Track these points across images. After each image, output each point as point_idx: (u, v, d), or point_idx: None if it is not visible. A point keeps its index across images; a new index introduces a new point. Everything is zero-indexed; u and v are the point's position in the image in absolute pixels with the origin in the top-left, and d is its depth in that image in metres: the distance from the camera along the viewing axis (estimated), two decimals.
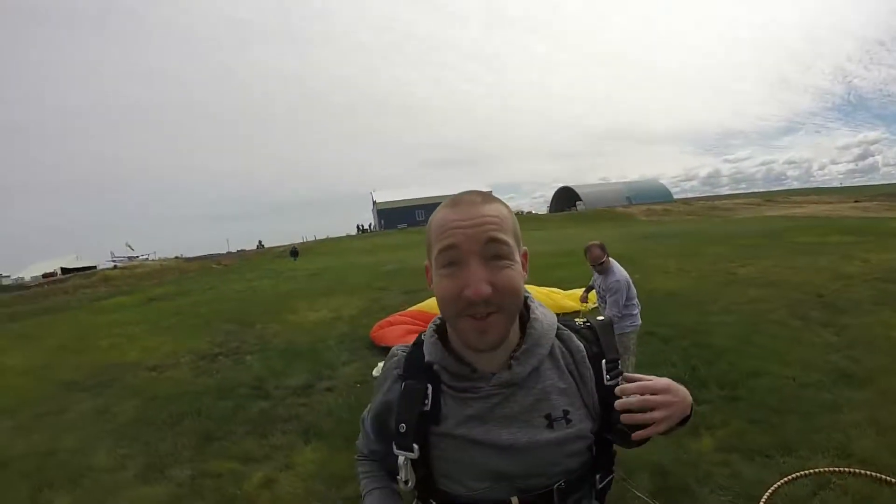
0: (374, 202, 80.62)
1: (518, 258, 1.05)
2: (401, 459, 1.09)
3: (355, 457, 1.41)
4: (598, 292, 5.38)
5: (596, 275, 5.32)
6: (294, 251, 40.73)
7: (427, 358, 1.13)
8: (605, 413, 1.10)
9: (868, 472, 3.57)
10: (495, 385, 1.08)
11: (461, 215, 1.02)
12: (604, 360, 1.13)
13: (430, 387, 1.10)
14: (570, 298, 9.74)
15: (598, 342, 1.16)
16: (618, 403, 1.02)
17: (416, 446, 1.07)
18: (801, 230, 22.10)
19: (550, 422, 1.08)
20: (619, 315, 5.05)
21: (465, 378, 1.10)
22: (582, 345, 1.15)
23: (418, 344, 1.19)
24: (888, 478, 3.46)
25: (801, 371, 5.53)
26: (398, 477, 1.10)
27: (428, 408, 1.09)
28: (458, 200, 1.06)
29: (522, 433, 1.07)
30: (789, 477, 3.58)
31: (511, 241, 1.03)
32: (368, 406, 1.33)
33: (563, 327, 1.19)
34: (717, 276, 12.15)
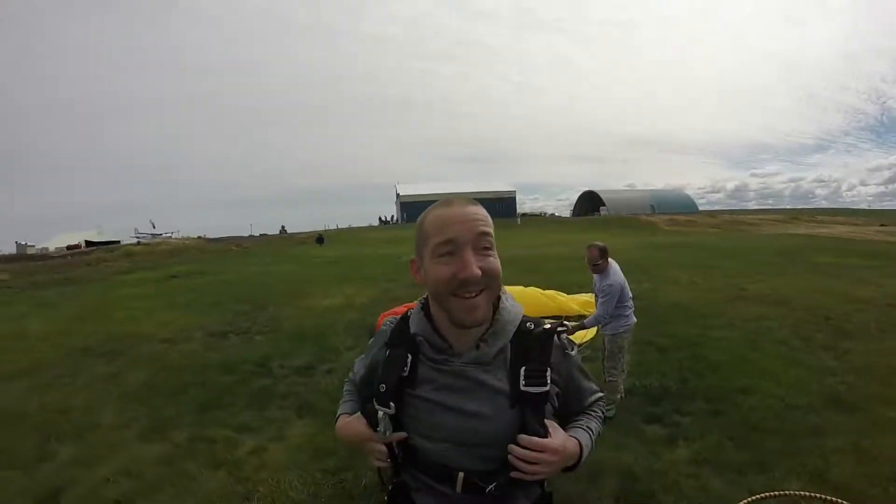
0: (398, 194, 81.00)
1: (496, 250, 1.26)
2: (380, 413, 1.28)
3: (346, 380, 1.65)
4: (594, 293, 5.46)
5: (595, 276, 5.40)
6: (320, 238, 41.60)
7: (412, 330, 1.34)
8: (520, 414, 1.27)
9: (839, 501, 3.54)
10: (466, 362, 1.28)
11: (457, 213, 1.22)
12: (523, 368, 1.28)
13: (409, 356, 1.31)
14: (573, 301, 9.85)
15: (525, 347, 1.31)
16: (510, 449, 1.23)
17: (392, 404, 1.28)
18: (821, 250, 21.88)
19: (512, 403, 1.26)
20: (607, 317, 5.19)
21: (442, 351, 1.30)
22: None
23: (405, 319, 1.39)
24: None
25: (792, 392, 5.51)
26: (378, 429, 1.29)
27: (406, 373, 1.30)
28: (450, 202, 1.26)
29: (486, 406, 1.26)
30: (757, 496, 3.56)
31: (493, 234, 1.24)
32: (361, 357, 1.56)
33: (529, 324, 1.35)
34: (727, 290, 12.11)
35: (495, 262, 1.22)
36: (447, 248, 1.20)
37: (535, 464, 1.21)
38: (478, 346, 1.29)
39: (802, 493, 3.62)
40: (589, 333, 7.96)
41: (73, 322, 11.22)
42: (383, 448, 1.31)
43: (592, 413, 1.49)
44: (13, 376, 7.23)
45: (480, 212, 1.24)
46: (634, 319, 5.39)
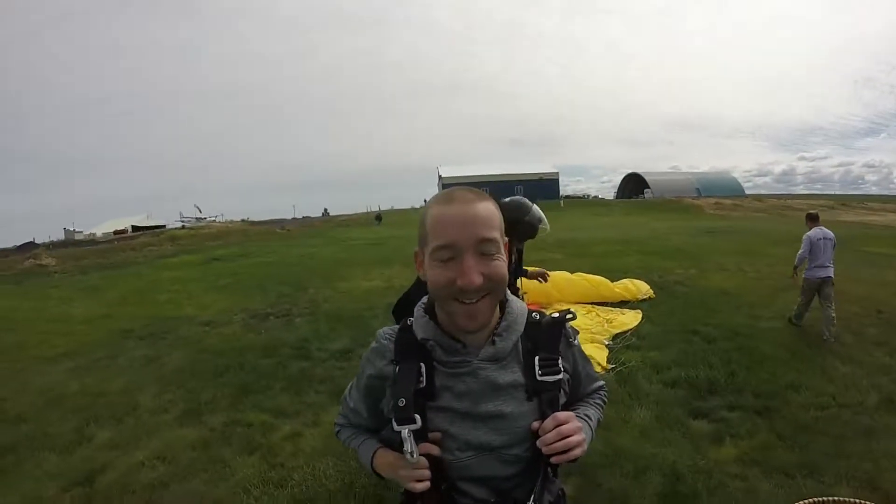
0: (440, 176, 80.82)
1: (503, 250, 1.17)
2: (404, 433, 1.15)
3: (336, 431, 1.51)
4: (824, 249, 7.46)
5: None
6: (378, 217, 43.69)
7: (420, 336, 1.24)
8: (538, 405, 1.23)
9: None
10: (483, 359, 1.21)
11: (457, 214, 1.13)
12: (537, 357, 1.24)
13: (423, 365, 1.21)
14: (617, 287, 9.71)
15: (534, 338, 1.28)
16: (538, 443, 1.18)
17: (418, 417, 1.16)
18: (873, 239, 21.03)
19: (530, 395, 1.23)
20: (797, 260, 7.77)
21: (456, 353, 1.21)
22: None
23: (405, 329, 1.29)
24: None
25: (844, 390, 5.26)
26: (404, 449, 1.15)
27: (423, 385, 1.19)
28: (452, 198, 1.16)
29: (507, 404, 1.21)
30: (805, 501, 3.42)
31: (498, 237, 1.16)
32: (350, 388, 1.45)
33: (535, 315, 1.33)
34: (776, 278, 11.62)
35: (500, 266, 1.15)
36: (446, 254, 1.12)
37: (566, 438, 1.17)
38: (493, 342, 1.22)
39: (852, 500, 3.43)
40: (632, 322, 7.84)
41: (115, 305, 11.50)
42: (424, 470, 1.18)
43: (591, 401, 1.48)
44: (55, 359, 7.44)
45: (484, 212, 1.15)
46: (821, 274, 7.38)
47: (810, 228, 7.69)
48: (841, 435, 4.39)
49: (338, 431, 1.51)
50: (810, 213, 8.09)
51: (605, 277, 10.05)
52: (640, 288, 9.94)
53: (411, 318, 1.30)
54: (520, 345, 1.26)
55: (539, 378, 1.22)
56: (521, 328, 1.27)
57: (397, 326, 1.32)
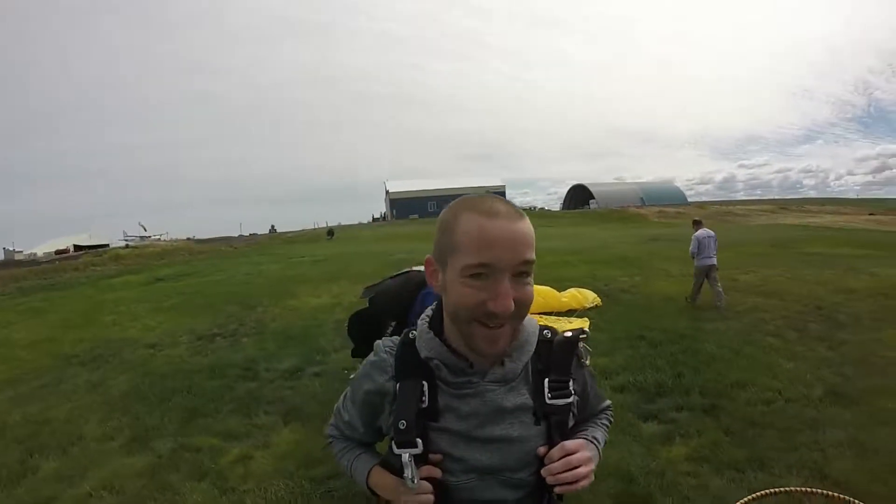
0: (387, 192, 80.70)
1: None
2: (405, 457, 1.09)
3: (328, 441, 1.42)
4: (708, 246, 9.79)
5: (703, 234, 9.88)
6: (330, 232, 43.64)
7: (425, 354, 1.15)
8: (546, 429, 1.16)
9: (842, 496, 3.37)
10: (490, 381, 1.13)
11: (502, 232, 1.02)
12: (547, 380, 1.17)
13: (425, 384, 1.13)
14: (564, 296, 9.80)
15: (545, 358, 1.19)
16: (543, 471, 1.11)
17: (419, 441, 1.10)
18: (812, 240, 21.84)
19: (538, 419, 1.15)
20: (691, 254, 10.02)
21: (461, 373, 1.13)
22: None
23: (407, 343, 1.20)
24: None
25: (788, 385, 5.43)
26: (405, 475, 1.09)
27: (425, 405, 1.12)
28: (495, 211, 1.04)
29: (514, 428, 1.13)
30: (756, 494, 3.48)
31: (534, 258, 1.06)
32: (343, 399, 1.35)
33: (546, 332, 1.23)
34: (719, 282, 12.03)
35: (531, 290, 1.06)
36: (481, 271, 1.02)
37: (574, 468, 1.10)
38: (502, 363, 1.14)
39: (803, 489, 3.50)
40: (580, 324, 7.91)
41: (58, 328, 11.11)
42: (428, 495, 1.11)
43: (598, 422, 1.40)
44: None
45: (526, 229, 1.05)
46: (706, 263, 9.68)
47: (696, 230, 10.04)
48: (788, 428, 4.51)
49: (330, 443, 1.41)
50: (695, 220, 10.70)
51: (553, 287, 10.12)
52: (586, 296, 10.08)
53: (414, 332, 1.21)
54: (529, 365, 1.19)
55: (548, 401, 1.15)
56: (533, 348, 1.18)
57: (397, 338, 1.24)
